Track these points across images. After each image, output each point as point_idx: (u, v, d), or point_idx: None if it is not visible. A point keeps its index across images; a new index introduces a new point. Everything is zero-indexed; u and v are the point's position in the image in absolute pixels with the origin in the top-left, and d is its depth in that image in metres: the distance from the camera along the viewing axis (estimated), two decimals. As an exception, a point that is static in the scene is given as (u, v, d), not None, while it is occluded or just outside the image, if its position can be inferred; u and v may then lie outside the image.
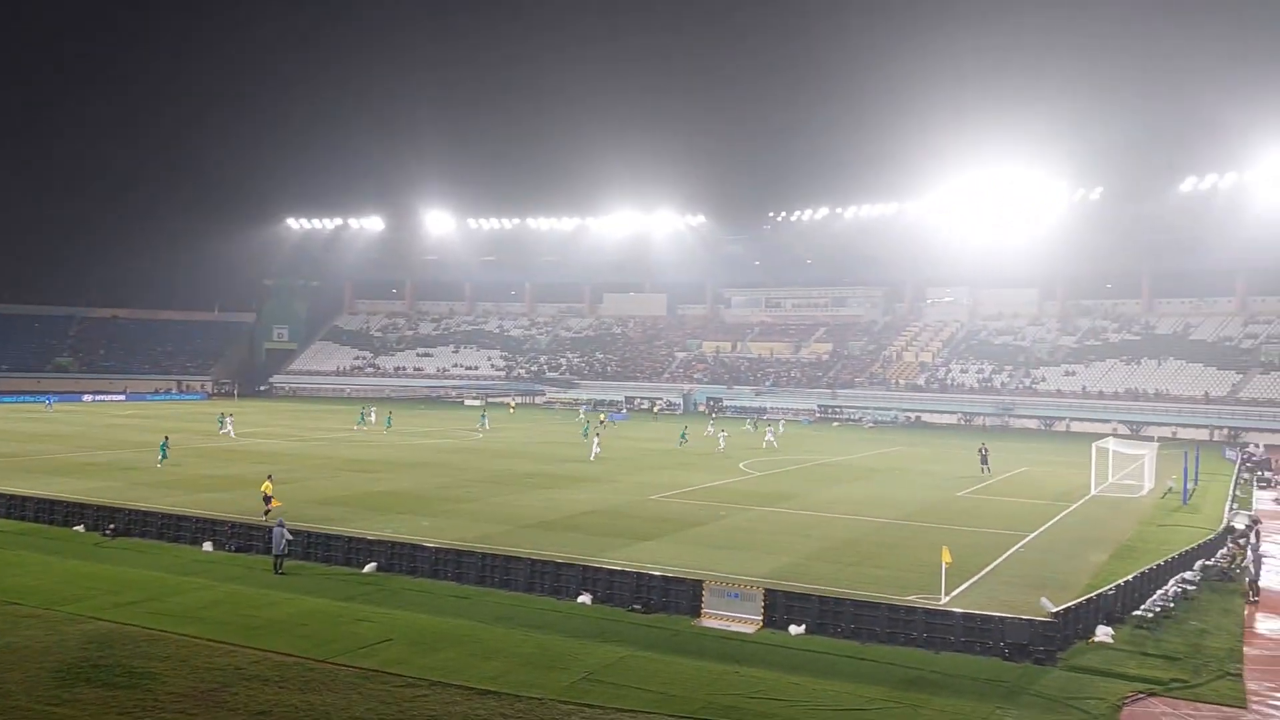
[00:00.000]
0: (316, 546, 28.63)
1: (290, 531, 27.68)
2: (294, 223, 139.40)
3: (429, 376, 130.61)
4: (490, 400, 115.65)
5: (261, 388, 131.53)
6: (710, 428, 73.52)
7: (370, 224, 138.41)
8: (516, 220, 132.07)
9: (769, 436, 68.39)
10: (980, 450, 54.73)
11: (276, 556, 27.01)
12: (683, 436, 66.89)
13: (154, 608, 23.19)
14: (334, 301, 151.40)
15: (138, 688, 17.59)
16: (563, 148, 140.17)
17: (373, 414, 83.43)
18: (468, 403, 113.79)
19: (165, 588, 25.13)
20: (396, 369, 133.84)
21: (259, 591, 24.94)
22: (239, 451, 56.19)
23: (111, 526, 31.68)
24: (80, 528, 32.35)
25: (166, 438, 51.87)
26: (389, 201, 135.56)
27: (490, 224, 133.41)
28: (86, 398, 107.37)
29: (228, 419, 68.14)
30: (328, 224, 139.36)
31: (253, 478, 44.68)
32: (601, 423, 72.03)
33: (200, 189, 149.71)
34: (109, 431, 67.70)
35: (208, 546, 29.92)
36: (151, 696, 17.17)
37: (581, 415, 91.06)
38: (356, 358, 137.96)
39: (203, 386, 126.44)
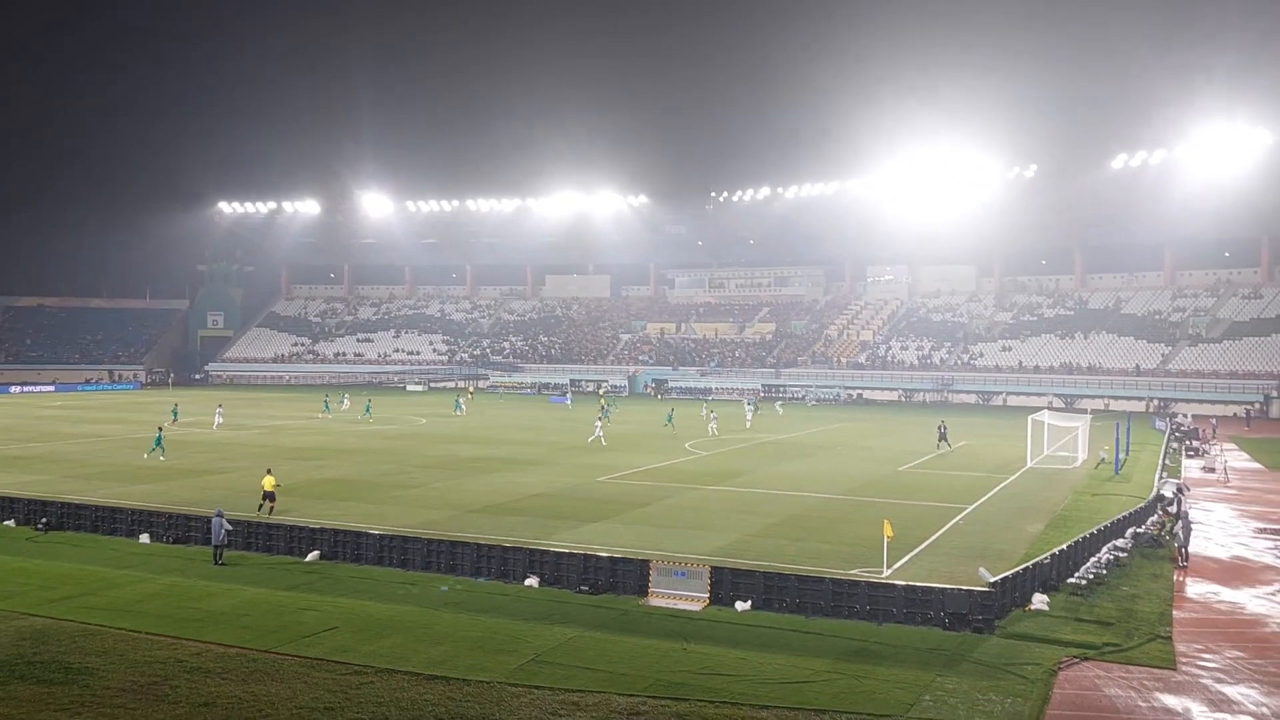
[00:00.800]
0: (257, 536, 28.25)
1: (230, 521, 27.29)
2: (226, 206, 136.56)
3: (370, 362, 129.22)
4: (433, 385, 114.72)
5: (196, 376, 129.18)
6: (704, 410, 71.70)
7: (305, 207, 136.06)
8: (456, 202, 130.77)
9: (748, 416, 69.06)
10: (939, 427, 55.33)
11: (216, 547, 26.61)
12: (669, 419, 65.13)
13: (90, 602, 22.75)
14: (270, 287, 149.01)
15: (75, 683, 17.26)
16: (502, 128, 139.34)
17: (345, 400, 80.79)
18: (410, 388, 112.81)
19: (101, 581, 24.65)
20: (337, 355, 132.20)
21: (199, 583, 24.57)
22: (178, 442, 55.16)
23: (44, 520, 30.95)
24: (11, 522, 31.55)
25: (161, 429, 50.11)
26: (324, 184, 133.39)
27: (429, 206, 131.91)
28: (14, 389, 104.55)
29: (217, 410, 65.81)
30: (261, 208, 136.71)
31: (191, 469, 43.97)
32: (603, 408, 70.55)
33: (128, 172, 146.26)
34: (39, 423, 66.05)
35: (144, 538, 29.38)
36: (89, 692, 16.86)
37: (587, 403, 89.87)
38: (295, 344, 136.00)
39: (135, 376, 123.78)
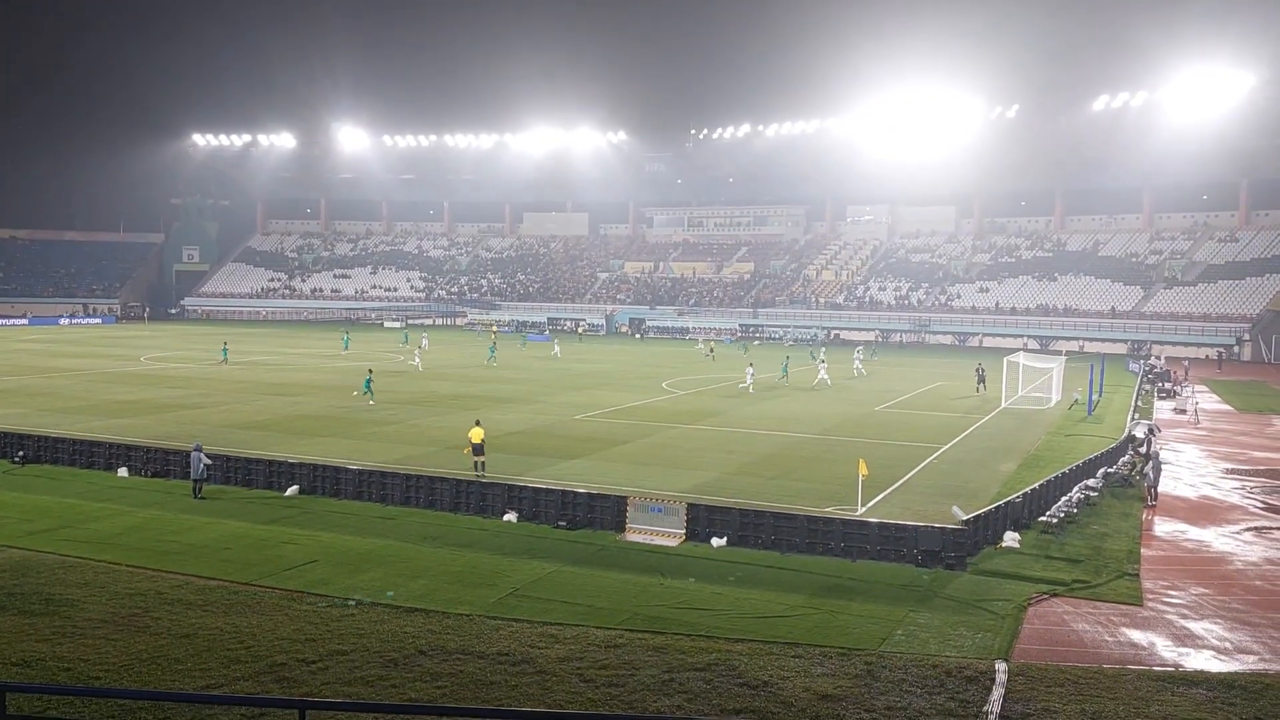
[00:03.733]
0: (237, 470, 28.30)
1: (208, 456, 27.29)
2: (201, 139, 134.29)
3: (347, 298, 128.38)
4: (411, 322, 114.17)
5: (172, 311, 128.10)
6: (818, 356, 64.30)
7: (281, 141, 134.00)
8: (433, 137, 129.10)
9: (856, 363, 63.07)
10: (978, 369, 53.70)
11: (195, 481, 26.67)
12: (784, 371, 58.23)
13: (69, 534, 22.79)
14: (246, 222, 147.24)
15: (55, 614, 17.35)
16: (480, 61, 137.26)
17: (425, 340, 74.57)
18: (387, 325, 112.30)
19: (81, 514, 24.69)
20: (313, 291, 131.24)
21: (178, 516, 24.64)
22: (152, 376, 54.91)
23: (21, 454, 30.87)
24: (-13, 456, 31.48)
25: (371, 371, 48.14)
26: (300, 117, 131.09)
27: (407, 141, 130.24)
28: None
29: (422, 339, 61.20)
30: (236, 140, 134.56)
31: (165, 402, 43.81)
32: (738, 346, 64.84)
33: (99, 102, 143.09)
34: (13, 357, 65.46)
35: (123, 472, 29.38)
36: (70, 623, 16.95)
37: (704, 346, 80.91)
38: (271, 279, 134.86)
39: (111, 310, 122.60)
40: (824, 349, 73.06)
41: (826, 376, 56.08)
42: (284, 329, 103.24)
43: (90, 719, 13.10)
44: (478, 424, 29.92)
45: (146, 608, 17.83)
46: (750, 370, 54.17)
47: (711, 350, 75.34)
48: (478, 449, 28.84)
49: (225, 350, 65.17)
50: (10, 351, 70.23)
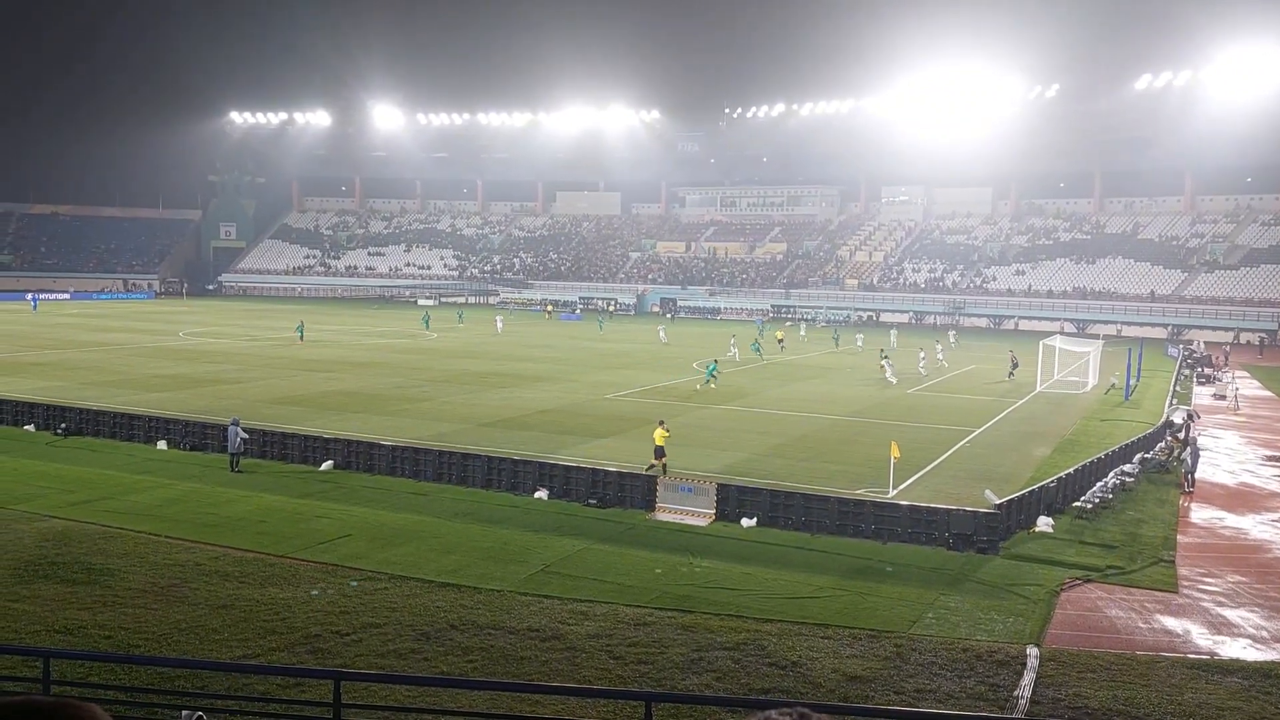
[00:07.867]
0: (273, 445, 28.64)
1: (245, 430, 27.63)
2: (238, 117, 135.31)
3: (381, 276, 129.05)
4: (444, 300, 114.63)
5: (210, 287, 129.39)
6: (946, 341, 62.24)
7: (317, 119, 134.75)
8: (467, 116, 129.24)
9: (939, 354, 57.12)
10: (1011, 356, 52.11)
11: (232, 455, 27.01)
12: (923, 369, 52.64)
13: (110, 505, 23.18)
14: (282, 199, 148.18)
15: (96, 583, 17.68)
16: (513, 38, 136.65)
17: (499, 321, 71.78)
18: (420, 302, 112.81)
19: (121, 486, 25.10)
20: (348, 268, 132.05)
21: (216, 489, 24.99)
22: (189, 351, 55.56)
23: (63, 426, 31.41)
24: (30, 427, 32.04)
25: (716, 361, 47.18)
26: (335, 95, 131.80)
27: (440, 119, 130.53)
28: (29, 296, 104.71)
29: (496, 320, 63.28)
30: (272, 119, 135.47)
31: (202, 377, 44.34)
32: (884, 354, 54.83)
33: (138, 79, 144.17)
34: (56, 331, 66.48)
35: (162, 445, 29.81)
36: (111, 592, 17.27)
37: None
38: (307, 256, 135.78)
39: (150, 285, 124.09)
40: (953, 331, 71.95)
41: (923, 366, 53.37)
42: (320, 306, 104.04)
43: (130, 686, 13.37)
44: (661, 424, 27.34)
45: (185, 578, 18.13)
46: (889, 364, 49.67)
47: (781, 339, 68.55)
48: (658, 451, 26.31)
49: (301, 329, 63.24)
50: (53, 325, 71.33)
